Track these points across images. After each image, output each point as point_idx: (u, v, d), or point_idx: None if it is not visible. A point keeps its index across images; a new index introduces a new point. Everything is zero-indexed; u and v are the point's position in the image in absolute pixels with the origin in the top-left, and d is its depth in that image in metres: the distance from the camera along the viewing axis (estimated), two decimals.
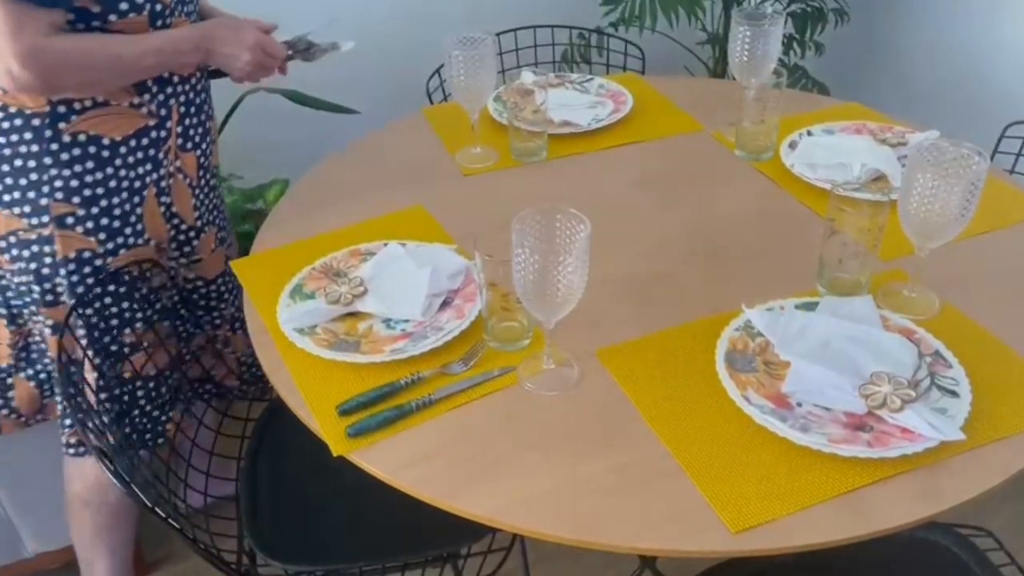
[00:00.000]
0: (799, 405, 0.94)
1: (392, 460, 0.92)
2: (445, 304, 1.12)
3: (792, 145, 1.45)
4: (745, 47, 1.40)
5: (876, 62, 2.43)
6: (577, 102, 1.63)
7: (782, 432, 0.90)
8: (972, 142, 1.02)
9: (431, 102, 1.85)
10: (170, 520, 0.98)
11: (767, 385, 0.96)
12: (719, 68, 2.39)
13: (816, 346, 0.99)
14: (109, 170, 1.20)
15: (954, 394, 0.93)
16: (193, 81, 1.28)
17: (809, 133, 1.48)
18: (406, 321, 1.09)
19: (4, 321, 1.29)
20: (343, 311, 1.10)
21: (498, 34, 1.96)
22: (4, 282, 1.25)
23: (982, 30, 2.08)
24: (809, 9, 2.27)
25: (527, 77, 1.48)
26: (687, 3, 2.06)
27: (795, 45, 2.30)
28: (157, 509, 0.98)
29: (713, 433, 0.93)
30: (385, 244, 1.21)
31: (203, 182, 1.36)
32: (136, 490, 0.97)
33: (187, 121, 1.29)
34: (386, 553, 1.13)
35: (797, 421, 0.91)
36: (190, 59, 1.23)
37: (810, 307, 1.07)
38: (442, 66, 1.80)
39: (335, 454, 0.93)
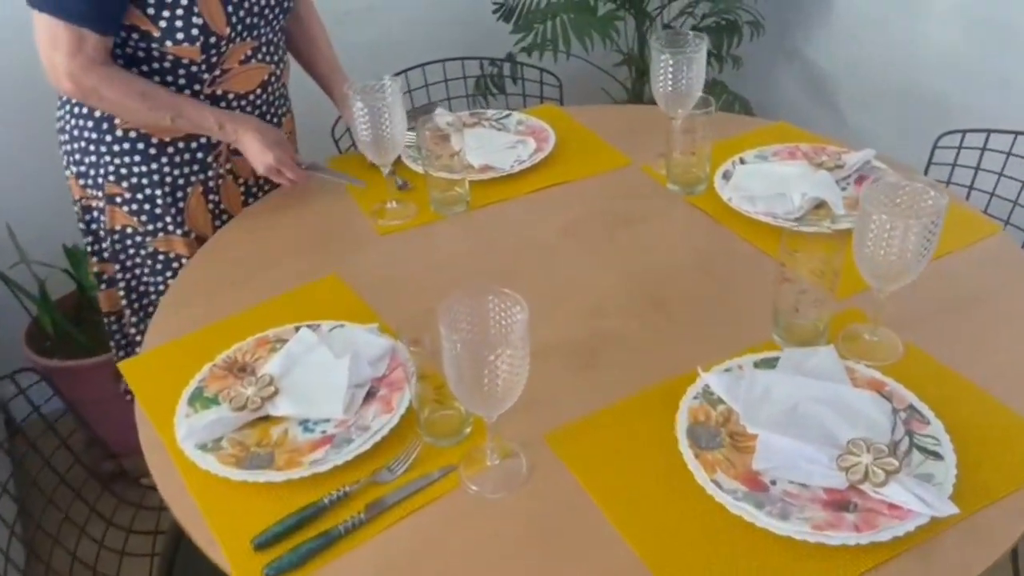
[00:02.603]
0: (774, 484, 0.85)
1: None
2: (370, 395, 0.99)
3: (726, 175, 1.37)
4: (669, 77, 1.31)
5: (795, 73, 2.40)
6: (497, 143, 1.52)
7: (760, 522, 0.80)
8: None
9: (339, 150, 1.71)
10: None
11: (736, 464, 0.87)
12: (637, 87, 2.33)
13: (783, 411, 0.90)
14: (154, 165, 1.37)
15: (937, 456, 0.85)
16: (252, 97, 1.40)
17: (742, 161, 1.40)
18: (327, 421, 0.96)
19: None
20: (251, 417, 0.96)
21: (406, 70, 1.85)
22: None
23: (904, 35, 2.05)
24: (723, 22, 2.22)
25: (441, 119, 1.37)
26: (600, 26, 1.98)
27: (712, 60, 2.25)
28: None
29: (683, 527, 0.83)
30: (296, 329, 1.08)
31: (261, 181, 1.49)
32: None
33: None
34: None
35: (775, 506, 0.82)
36: (215, 137, 1.36)
37: (770, 363, 0.98)
38: None
39: None
